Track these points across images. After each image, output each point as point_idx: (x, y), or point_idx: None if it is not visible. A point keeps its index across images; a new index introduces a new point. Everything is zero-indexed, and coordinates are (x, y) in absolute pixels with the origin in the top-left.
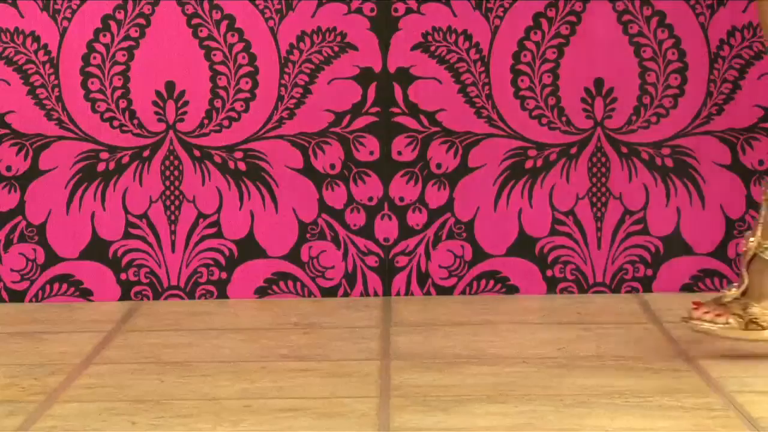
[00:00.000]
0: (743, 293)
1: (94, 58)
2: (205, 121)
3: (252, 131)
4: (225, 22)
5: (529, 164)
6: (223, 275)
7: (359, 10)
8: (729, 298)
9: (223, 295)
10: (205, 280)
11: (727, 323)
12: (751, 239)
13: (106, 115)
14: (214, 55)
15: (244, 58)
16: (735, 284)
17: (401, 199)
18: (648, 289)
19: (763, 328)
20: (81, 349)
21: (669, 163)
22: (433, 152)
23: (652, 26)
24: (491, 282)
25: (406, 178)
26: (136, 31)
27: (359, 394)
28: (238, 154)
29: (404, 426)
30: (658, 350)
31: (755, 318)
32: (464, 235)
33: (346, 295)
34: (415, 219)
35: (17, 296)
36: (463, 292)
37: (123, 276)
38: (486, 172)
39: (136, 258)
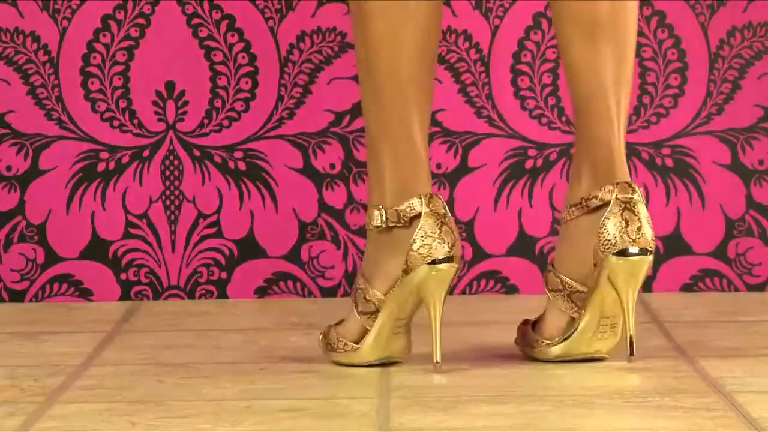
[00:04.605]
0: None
1: (94, 58)
2: (205, 121)
3: (252, 131)
4: (225, 22)
5: (529, 164)
6: (223, 275)
7: None
8: None
9: (223, 295)
10: (205, 280)
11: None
12: None
13: (106, 115)
14: (214, 55)
15: (244, 58)
16: None
17: None
18: (648, 289)
19: (336, 351)
20: (81, 349)
21: (669, 163)
22: (433, 152)
23: (652, 26)
24: (491, 282)
25: None
26: (136, 31)
27: (359, 394)
28: (238, 154)
29: (404, 426)
30: (658, 350)
31: (329, 341)
32: (464, 235)
33: (346, 295)
34: None
35: (17, 296)
36: (462, 292)
37: (123, 276)
38: (486, 172)
39: (136, 258)
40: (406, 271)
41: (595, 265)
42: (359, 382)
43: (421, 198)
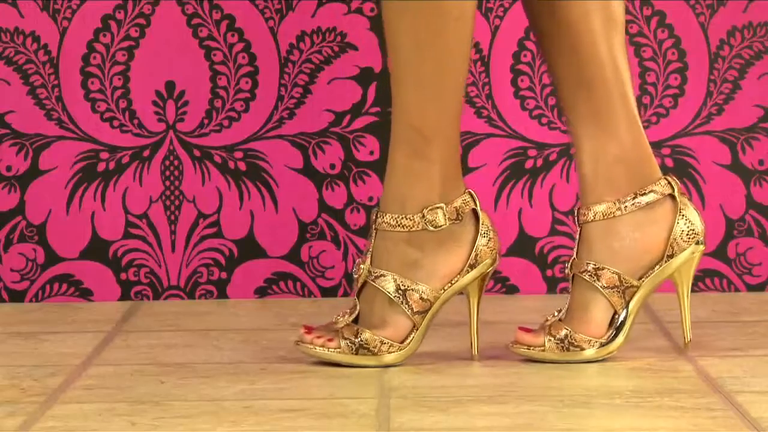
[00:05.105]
0: (355, 320)
1: (94, 58)
2: (205, 121)
3: (252, 131)
4: (225, 22)
5: (529, 164)
6: (223, 275)
7: (359, 10)
8: (341, 324)
9: (223, 295)
10: (205, 280)
11: (338, 348)
12: (362, 266)
13: (106, 115)
14: (214, 55)
15: (244, 58)
16: (347, 310)
17: None
18: None
19: (374, 354)
20: (81, 349)
21: (669, 163)
22: None
23: (652, 26)
24: (491, 282)
25: None
26: (136, 31)
27: (359, 395)
28: (238, 154)
29: (404, 426)
30: (658, 350)
31: (366, 344)
32: None
33: (346, 295)
34: None
35: (17, 296)
36: (462, 292)
37: (123, 276)
38: (486, 172)
39: (136, 258)
40: (473, 266)
41: (670, 255)
42: (359, 382)
43: (471, 193)
